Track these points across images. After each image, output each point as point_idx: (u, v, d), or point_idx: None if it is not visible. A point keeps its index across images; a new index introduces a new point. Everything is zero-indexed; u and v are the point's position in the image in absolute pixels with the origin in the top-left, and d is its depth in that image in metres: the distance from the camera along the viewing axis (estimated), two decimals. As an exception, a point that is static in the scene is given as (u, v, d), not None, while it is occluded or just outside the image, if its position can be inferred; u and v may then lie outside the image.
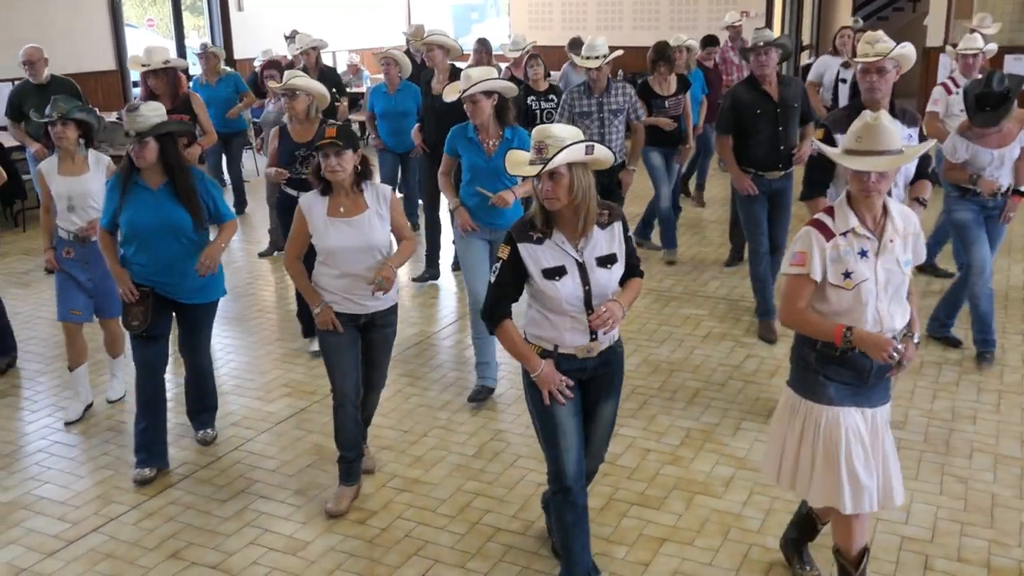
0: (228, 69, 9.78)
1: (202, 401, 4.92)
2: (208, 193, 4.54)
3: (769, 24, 13.65)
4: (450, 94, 5.25)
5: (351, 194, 4.08)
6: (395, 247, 4.25)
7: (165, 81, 6.78)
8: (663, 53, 7.45)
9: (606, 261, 3.35)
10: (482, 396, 5.29)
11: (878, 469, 3.28)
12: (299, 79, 5.66)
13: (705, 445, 4.77)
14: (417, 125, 7.43)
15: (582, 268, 3.30)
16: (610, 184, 6.59)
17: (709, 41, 9.85)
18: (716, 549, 3.91)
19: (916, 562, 3.81)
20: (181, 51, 12.81)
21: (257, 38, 11.97)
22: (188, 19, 13.49)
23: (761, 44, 5.98)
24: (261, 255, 8.29)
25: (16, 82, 8.53)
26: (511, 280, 3.35)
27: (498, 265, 3.35)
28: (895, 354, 3.09)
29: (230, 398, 5.39)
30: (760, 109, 6.00)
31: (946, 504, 4.19)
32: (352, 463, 4.32)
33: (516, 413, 5.15)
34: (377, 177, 4.29)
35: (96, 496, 4.39)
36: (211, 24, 13.43)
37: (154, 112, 4.35)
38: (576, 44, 10.34)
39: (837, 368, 3.23)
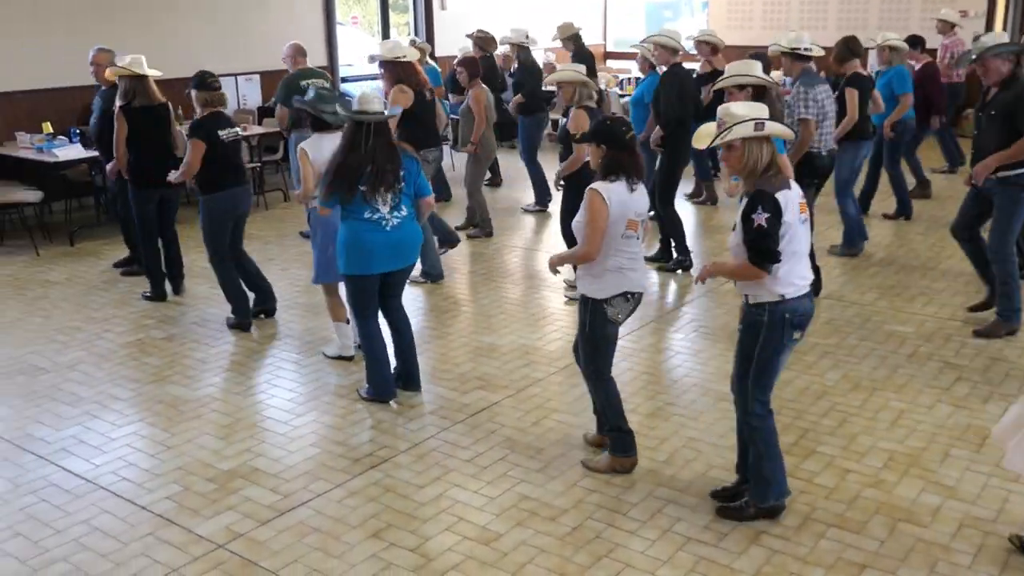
0: (430, 62, 10.20)
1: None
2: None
3: (990, 23, 12.87)
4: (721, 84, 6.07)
5: None
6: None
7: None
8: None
9: (735, 225, 3.92)
10: None
11: None
12: (565, 72, 6.55)
13: (910, 470, 4.56)
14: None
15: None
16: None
17: (915, 41, 9.89)
18: (921, 581, 3.74)
19: None
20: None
21: (458, 37, 12.27)
22: (392, 17, 14.00)
23: (974, 56, 5.97)
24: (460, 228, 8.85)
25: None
26: None
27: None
28: None
29: (426, 386, 5.57)
30: (977, 110, 6.15)
31: None
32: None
33: (709, 422, 5.08)
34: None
35: (305, 472, 4.64)
36: (415, 22, 13.91)
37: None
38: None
39: None
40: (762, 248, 3.78)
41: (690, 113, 7.60)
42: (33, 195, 8.63)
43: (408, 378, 5.50)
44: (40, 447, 4.91)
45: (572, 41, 10.02)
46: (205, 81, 6.30)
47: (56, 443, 4.95)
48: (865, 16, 13.90)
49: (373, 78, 13.75)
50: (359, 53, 14.33)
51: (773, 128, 3.84)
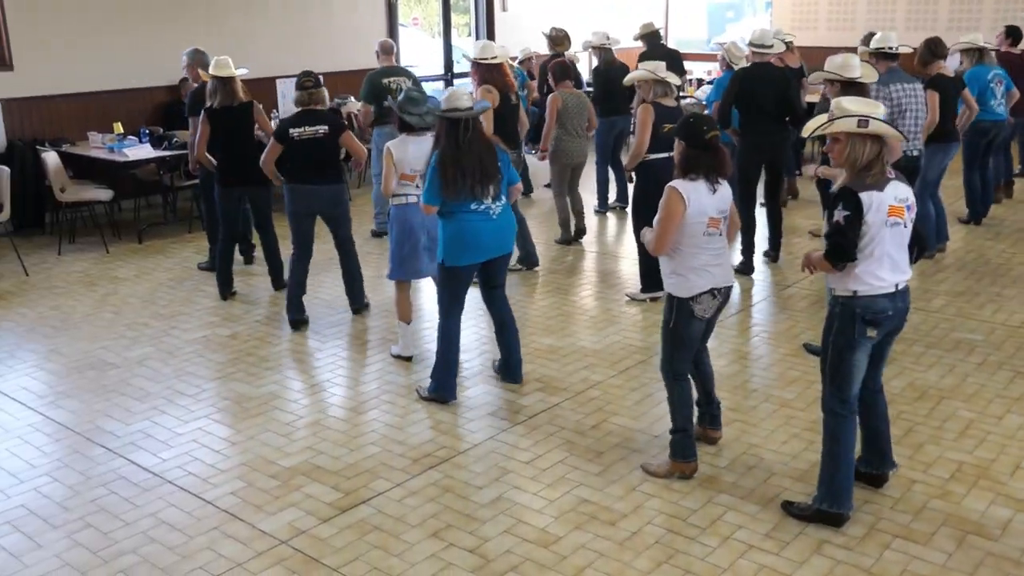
0: (515, 66, 10.25)
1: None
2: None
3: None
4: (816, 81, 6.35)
5: None
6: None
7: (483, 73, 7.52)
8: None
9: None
10: None
11: None
12: (637, 72, 6.61)
13: (979, 482, 4.45)
14: None
15: None
16: None
17: (1012, 31, 9.77)
18: (991, 596, 3.65)
19: None
20: (449, 48, 13.43)
21: (519, 39, 12.30)
22: (453, 18, 14.04)
23: None
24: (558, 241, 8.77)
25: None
26: None
27: None
28: None
29: (486, 387, 5.61)
30: None
31: None
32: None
33: (770, 428, 5.02)
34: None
35: (365, 470, 4.69)
36: (475, 23, 13.96)
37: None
38: (866, 40, 10.06)
39: None
40: (835, 244, 3.84)
41: (760, 115, 7.50)
42: (104, 193, 8.84)
43: (511, 369, 5.63)
44: (110, 440, 5.03)
45: (645, 40, 9.97)
46: (298, 81, 6.51)
47: (125, 437, 5.06)
48: (934, 15, 13.61)
49: (436, 79, 13.91)
50: (420, 54, 14.47)
51: (878, 127, 3.81)
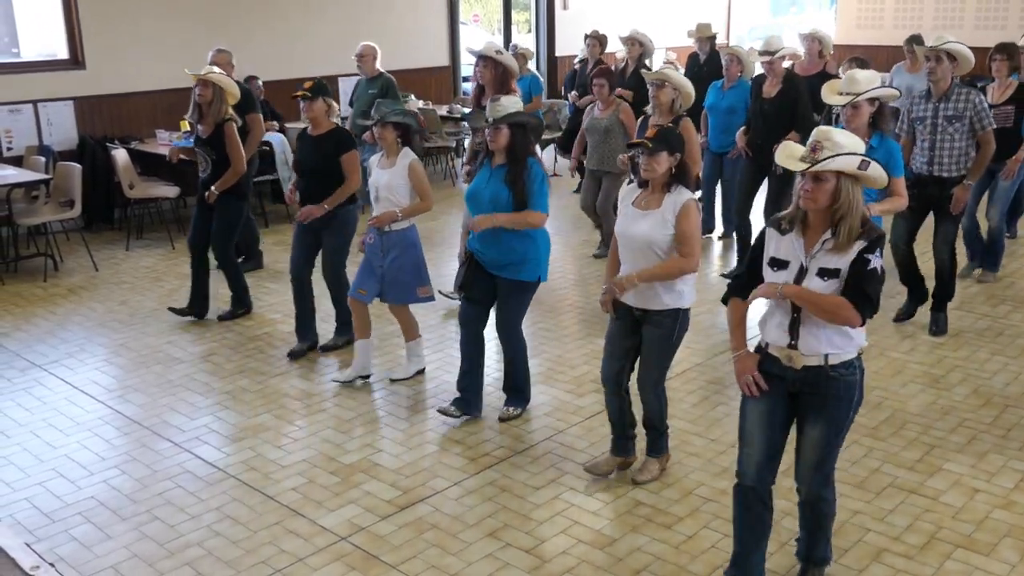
0: (532, 70, 10.19)
1: (508, 378, 5.30)
2: (532, 182, 4.87)
3: None
4: (830, 96, 5.28)
5: (657, 192, 4.27)
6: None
7: (493, 72, 6.76)
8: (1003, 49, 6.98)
9: (825, 273, 3.26)
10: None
11: None
12: (671, 71, 6.10)
13: (1045, 493, 4.37)
14: (743, 127, 7.36)
15: (801, 271, 3.31)
16: (941, 198, 6.15)
17: None
18: (1055, 611, 3.59)
19: None
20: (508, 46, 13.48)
21: (580, 37, 12.27)
22: (513, 15, 14.09)
23: None
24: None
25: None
26: (753, 257, 3.52)
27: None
28: None
29: (542, 387, 5.63)
30: None
31: None
32: (616, 439, 4.67)
33: (829, 434, 4.97)
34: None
35: (423, 469, 4.75)
36: (536, 20, 13.98)
37: (512, 103, 4.89)
38: (916, 40, 9.70)
39: None
40: (875, 295, 3.21)
41: None
42: (171, 190, 9.04)
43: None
44: (175, 435, 5.16)
45: (709, 43, 9.79)
46: None
47: (190, 431, 5.19)
48: (1005, 15, 13.28)
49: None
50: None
51: (874, 171, 3.23)
